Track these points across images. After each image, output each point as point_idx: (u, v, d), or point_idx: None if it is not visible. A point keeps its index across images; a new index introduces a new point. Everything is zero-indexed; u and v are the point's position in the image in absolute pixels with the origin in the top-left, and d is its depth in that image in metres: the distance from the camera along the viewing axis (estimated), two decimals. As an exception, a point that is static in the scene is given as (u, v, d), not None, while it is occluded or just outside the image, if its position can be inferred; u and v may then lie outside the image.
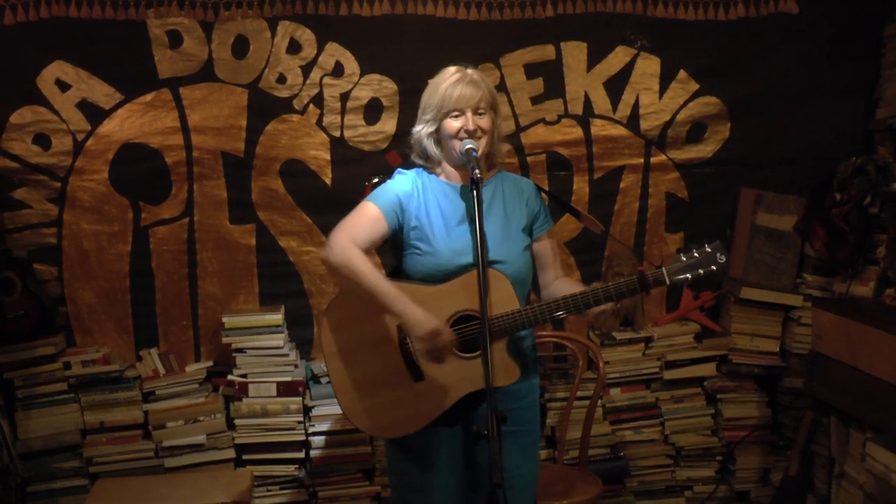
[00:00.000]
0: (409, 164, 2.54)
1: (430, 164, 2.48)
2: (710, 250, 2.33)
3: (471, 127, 2.37)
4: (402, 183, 2.46)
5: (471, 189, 2.26)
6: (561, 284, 2.49)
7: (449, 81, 2.38)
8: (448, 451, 2.41)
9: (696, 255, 2.32)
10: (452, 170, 2.47)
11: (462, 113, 2.37)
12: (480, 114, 2.40)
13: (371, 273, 2.34)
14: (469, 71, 2.43)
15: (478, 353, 2.33)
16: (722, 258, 2.32)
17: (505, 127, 3.56)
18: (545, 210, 2.54)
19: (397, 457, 2.50)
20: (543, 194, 2.59)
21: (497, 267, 2.36)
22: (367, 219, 2.41)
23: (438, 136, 2.42)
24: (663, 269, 2.32)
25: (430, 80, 2.46)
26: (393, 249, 2.53)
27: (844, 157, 3.57)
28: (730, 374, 3.71)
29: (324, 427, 3.50)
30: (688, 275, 2.32)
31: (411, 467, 2.45)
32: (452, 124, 2.37)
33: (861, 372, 3.10)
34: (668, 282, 2.31)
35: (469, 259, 2.36)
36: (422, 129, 2.43)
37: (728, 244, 3.82)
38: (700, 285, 3.81)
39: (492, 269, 2.34)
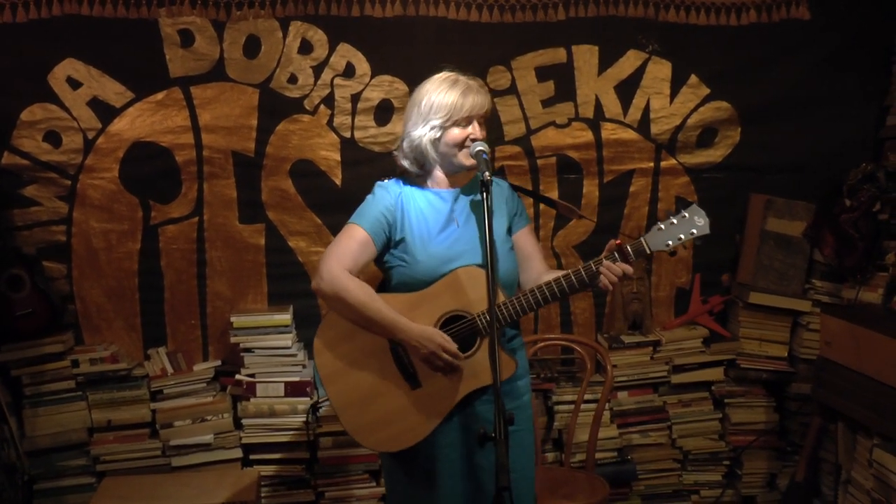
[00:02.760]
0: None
1: (420, 171, 2.45)
2: (686, 215, 2.29)
3: (479, 136, 2.37)
4: (384, 198, 2.43)
5: (481, 191, 2.25)
6: (548, 276, 2.44)
7: (458, 90, 2.36)
8: (447, 459, 2.39)
9: (673, 221, 2.29)
10: (442, 175, 2.45)
11: (469, 122, 2.37)
12: (482, 123, 2.41)
13: (367, 301, 2.33)
14: (465, 77, 2.41)
15: (471, 352, 2.35)
16: (700, 221, 2.28)
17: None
18: (521, 207, 2.55)
19: (396, 469, 2.47)
20: (519, 192, 2.59)
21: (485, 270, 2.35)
22: (356, 243, 2.39)
23: (438, 143, 2.39)
24: (642, 238, 2.30)
25: (424, 86, 2.42)
26: (378, 263, 2.50)
27: (854, 163, 3.57)
28: (738, 378, 3.71)
29: (331, 427, 3.50)
30: (668, 241, 2.29)
31: (412, 480, 2.43)
32: (458, 133, 2.36)
33: (869, 378, 3.10)
34: (648, 251, 2.29)
35: (452, 266, 2.35)
36: (425, 135, 2.37)
37: (737, 248, 3.82)
38: (709, 290, 3.82)
39: (472, 268, 2.33)
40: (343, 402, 2.39)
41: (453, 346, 2.31)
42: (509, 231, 2.49)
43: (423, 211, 2.41)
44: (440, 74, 2.44)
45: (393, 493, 2.56)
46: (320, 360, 2.41)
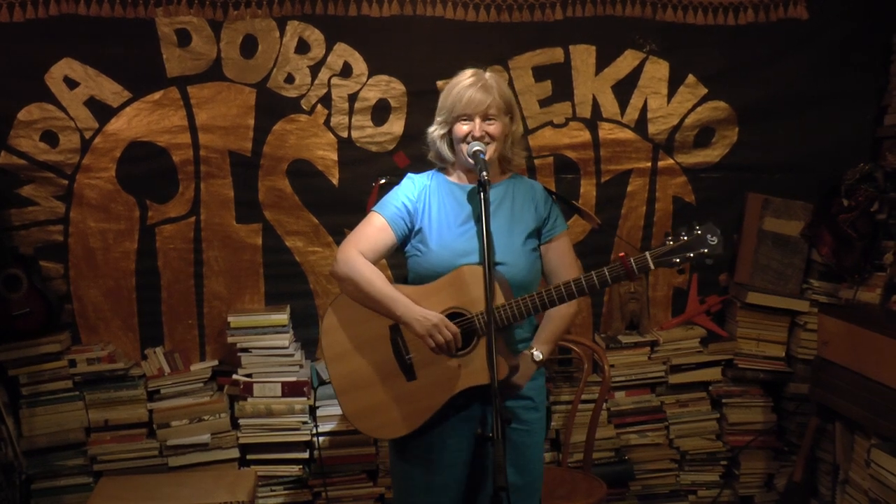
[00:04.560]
0: (416, 166, 2.54)
1: (444, 164, 2.51)
2: (699, 232, 2.24)
3: (477, 133, 2.37)
4: (409, 188, 2.47)
5: (478, 191, 2.26)
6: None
7: (461, 85, 2.38)
8: (451, 452, 2.40)
9: (683, 237, 2.25)
10: (463, 171, 2.48)
11: (471, 118, 2.37)
12: (490, 119, 2.39)
13: (374, 279, 2.37)
14: (486, 75, 2.42)
15: (468, 350, 2.35)
16: (713, 240, 2.23)
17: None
18: (556, 213, 2.51)
19: (399, 458, 2.49)
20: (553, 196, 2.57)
21: (498, 269, 2.35)
22: (373, 229, 2.43)
23: (450, 139, 2.44)
24: (646, 253, 2.25)
25: (449, 80, 2.47)
26: (403, 255, 2.54)
27: (852, 163, 3.57)
28: (735, 378, 3.70)
29: (328, 427, 3.50)
30: (675, 258, 2.24)
31: (414, 469, 2.45)
32: (461, 128, 2.39)
33: (867, 378, 3.10)
34: (651, 266, 2.24)
35: (468, 260, 2.36)
36: (435, 131, 2.45)
37: (734, 248, 3.81)
38: (706, 290, 3.82)
39: (477, 266, 2.33)
40: (343, 385, 2.44)
41: (455, 328, 2.31)
42: (537, 234, 2.47)
43: (446, 204, 2.44)
44: (464, 70, 2.46)
45: (397, 488, 2.57)
46: (327, 340, 2.45)
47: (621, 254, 2.28)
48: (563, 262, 2.49)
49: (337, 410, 3.47)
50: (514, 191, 2.48)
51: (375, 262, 2.41)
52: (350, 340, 2.44)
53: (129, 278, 3.60)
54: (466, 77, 2.41)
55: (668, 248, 2.25)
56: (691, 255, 2.24)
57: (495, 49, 3.60)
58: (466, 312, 2.34)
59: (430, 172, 2.52)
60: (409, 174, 2.52)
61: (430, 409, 2.36)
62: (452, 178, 2.49)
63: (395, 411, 2.39)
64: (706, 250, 2.24)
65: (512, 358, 2.38)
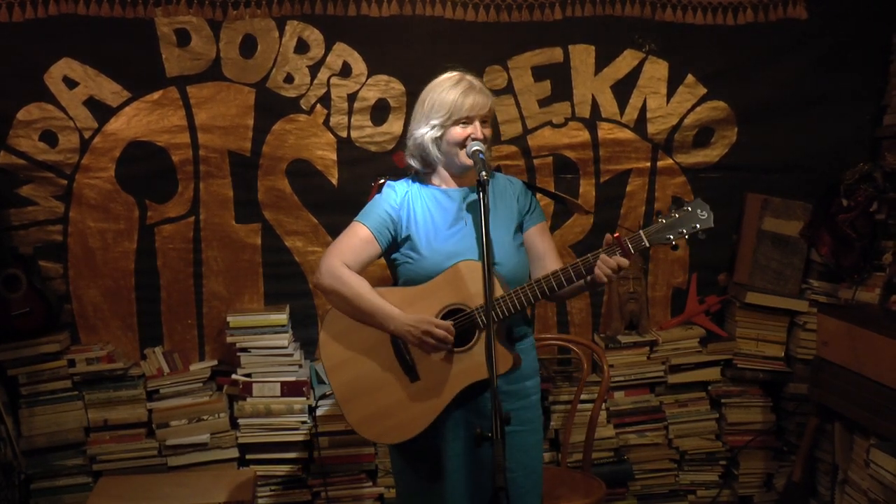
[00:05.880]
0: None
1: (426, 169, 2.50)
2: (689, 209, 2.27)
3: (479, 136, 2.39)
4: (391, 197, 2.47)
5: (477, 191, 2.27)
6: None
7: (459, 89, 2.39)
8: (453, 454, 2.41)
9: (675, 214, 2.28)
10: (448, 175, 2.48)
11: (471, 121, 2.39)
12: (486, 122, 2.42)
13: (363, 292, 2.37)
14: (470, 77, 2.44)
15: (470, 345, 2.35)
16: (704, 214, 2.26)
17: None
18: (535, 205, 2.55)
19: (402, 463, 2.50)
20: (531, 189, 2.60)
21: (494, 268, 2.36)
22: (358, 241, 2.43)
23: (440, 142, 2.43)
24: (640, 231, 2.29)
25: (429, 85, 2.47)
26: (387, 261, 2.54)
27: (851, 163, 3.57)
28: (734, 378, 3.70)
29: (327, 427, 3.50)
30: (668, 235, 2.27)
31: (417, 472, 2.46)
32: (459, 132, 2.39)
33: (866, 378, 3.09)
34: (646, 244, 2.27)
35: (457, 262, 2.37)
36: (426, 133, 2.43)
37: (733, 248, 3.81)
38: (705, 290, 3.82)
39: (473, 262, 2.34)
40: (345, 393, 2.43)
41: (445, 323, 2.32)
42: (521, 228, 2.50)
43: (430, 209, 2.44)
44: (445, 74, 2.47)
45: (401, 488, 2.57)
46: (325, 352, 2.45)
47: (616, 234, 2.30)
48: (549, 247, 2.54)
49: (336, 410, 3.47)
50: (493, 188, 2.48)
51: (360, 273, 2.41)
52: (349, 348, 2.43)
53: (128, 278, 3.60)
54: (457, 80, 2.41)
55: (661, 225, 2.28)
56: (684, 230, 2.28)
57: (494, 49, 3.61)
58: (466, 308, 2.35)
59: (406, 179, 2.53)
60: (388, 181, 2.53)
61: (438, 407, 2.37)
62: (434, 182, 2.50)
63: (401, 414, 2.39)
64: (698, 225, 2.27)
65: (513, 350, 2.39)
